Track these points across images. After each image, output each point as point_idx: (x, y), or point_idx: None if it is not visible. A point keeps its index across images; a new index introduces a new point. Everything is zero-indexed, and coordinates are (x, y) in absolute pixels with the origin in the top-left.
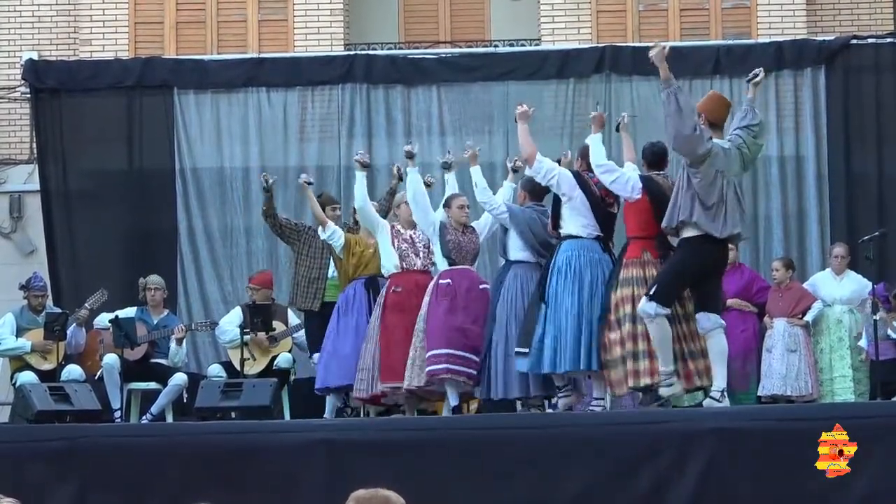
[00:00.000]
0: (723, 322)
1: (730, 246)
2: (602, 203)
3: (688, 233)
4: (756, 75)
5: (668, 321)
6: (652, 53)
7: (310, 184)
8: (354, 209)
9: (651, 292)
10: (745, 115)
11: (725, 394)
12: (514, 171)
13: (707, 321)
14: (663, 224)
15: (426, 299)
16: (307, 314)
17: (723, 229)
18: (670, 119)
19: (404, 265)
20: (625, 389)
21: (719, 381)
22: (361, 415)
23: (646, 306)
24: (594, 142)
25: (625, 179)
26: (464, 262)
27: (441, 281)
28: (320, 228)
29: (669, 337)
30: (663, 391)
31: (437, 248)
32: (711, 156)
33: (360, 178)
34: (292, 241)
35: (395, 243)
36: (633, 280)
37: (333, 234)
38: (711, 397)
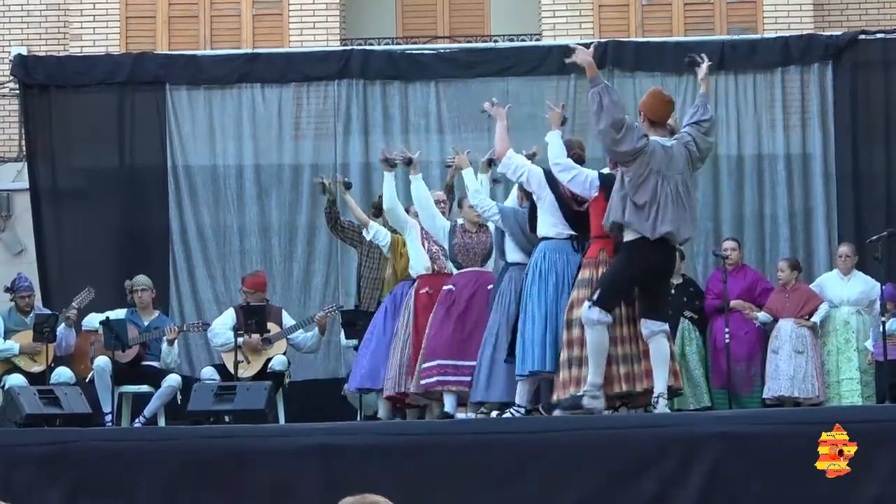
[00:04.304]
0: (665, 327)
1: (732, 247)
2: (574, 202)
3: (628, 236)
4: (696, 63)
5: (608, 328)
6: (574, 59)
7: (348, 185)
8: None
9: (594, 297)
10: (695, 110)
11: (663, 398)
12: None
13: (651, 326)
14: (602, 224)
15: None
16: (364, 316)
17: (653, 230)
18: (593, 117)
19: (435, 267)
20: (563, 395)
21: (659, 385)
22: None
23: (589, 312)
24: (553, 139)
25: (582, 178)
26: (472, 264)
27: (445, 287)
28: (364, 230)
29: (605, 347)
30: (586, 402)
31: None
32: (646, 154)
33: (388, 177)
34: (355, 242)
35: (426, 245)
36: (587, 282)
37: (377, 234)
38: (650, 402)
